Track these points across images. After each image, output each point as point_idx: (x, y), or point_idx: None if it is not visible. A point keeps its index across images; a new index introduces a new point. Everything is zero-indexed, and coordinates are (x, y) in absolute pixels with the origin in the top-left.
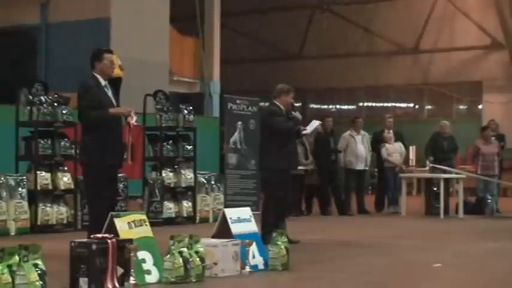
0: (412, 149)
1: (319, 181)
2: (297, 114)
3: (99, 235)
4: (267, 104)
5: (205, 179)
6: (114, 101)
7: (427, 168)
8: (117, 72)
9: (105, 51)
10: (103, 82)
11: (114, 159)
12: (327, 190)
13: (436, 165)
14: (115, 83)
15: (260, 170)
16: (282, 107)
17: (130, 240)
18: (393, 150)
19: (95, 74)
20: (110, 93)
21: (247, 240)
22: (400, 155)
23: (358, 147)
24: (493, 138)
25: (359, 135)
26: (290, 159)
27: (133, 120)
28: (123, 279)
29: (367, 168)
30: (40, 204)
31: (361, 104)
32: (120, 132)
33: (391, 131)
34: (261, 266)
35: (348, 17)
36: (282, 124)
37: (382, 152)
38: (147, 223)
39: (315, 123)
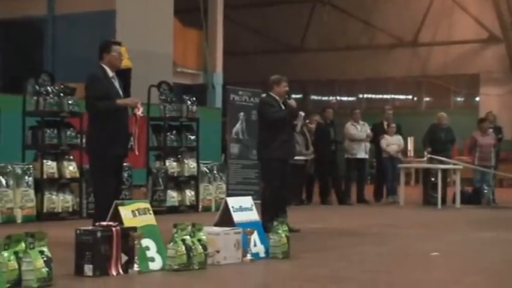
0: (411, 140)
1: (315, 171)
2: (291, 102)
3: (104, 223)
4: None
5: (207, 168)
6: (121, 92)
7: (425, 158)
8: (126, 63)
9: (113, 43)
10: (110, 73)
11: (120, 150)
12: (327, 180)
13: (433, 156)
14: (124, 74)
15: (258, 160)
16: (277, 98)
17: (134, 228)
18: (391, 142)
19: (103, 65)
20: (117, 84)
21: (248, 229)
22: (398, 147)
23: (359, 136)
24: (490, 130)
25: (358, 125)
26: (285, 148)
27: (139, 111)
28: (127, 266)
29: (367, 156)
30: (46, 193)
31: (360, 95)
32: (126, 123)
33: (393, 124)
34: (262, 254)
35: (348, 10)
36: (274, 114)
37: (381, 142)
38: (151, 211)
39: (300, 115)
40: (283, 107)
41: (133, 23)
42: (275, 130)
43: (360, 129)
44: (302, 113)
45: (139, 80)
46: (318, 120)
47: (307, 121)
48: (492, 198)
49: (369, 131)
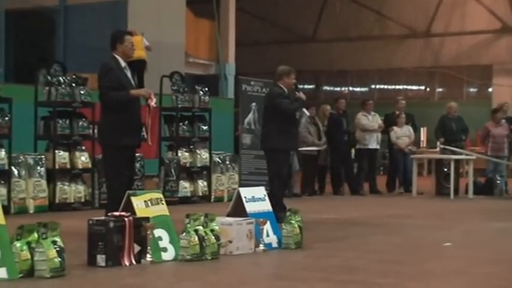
0: (423, 131)
1: (329, 161)
2: (301, 95)
3: (117, 213)
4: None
5: (220, 158)
6: (133, 82)
7: (437, 149)
8: (139, 54)
9: (126, 33)
10: (123, 63)
11: (132, 140)
12: (340, 170)
13: (446, 147)
14: (139, 65)
15: (263, 150)
16: (285, 89)
17: (147, 218)
18: (401, 134)
19: (116, 56)
20: (129, 74)
21: (261, 219)
22: (409, 138)
23: (370, 126)
24: (503, 120)
25: (370, 115)
26: (292, 140)
27: (153, 102)
28: (139, 256)
29: (378, 147)
30: (58, 183)
31: (373, 86)
32: (139, 113)
33: (402, 115)
34: (274, 244)
35: (361, 0)
36: (289, 106)
37: (391, 135)
38: (164, 202)
39: (305, 114)
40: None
41: (146, 13)
42: (285, 121)
43: (371, 120)
44: (307, 112)
45: (152, 70)
46: (329, 110)
47: (313, 114)
48: (505, 189)
49: (380, 121)
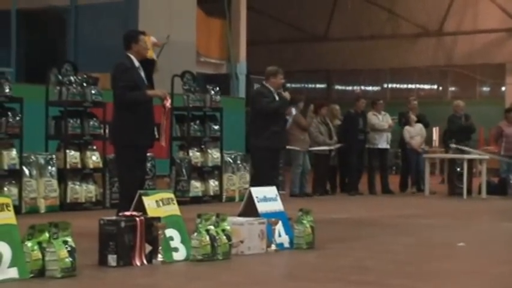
0: (436, 130)
1: (337, 161)
2: (286, 94)
3: (128, 213)
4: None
5: (231, 158)
6: (146, 82)
7: (450, 151)
8: (150, 54)
9: (141, 33)
10: (137, 63)
11: (146, 140)
12: (353, 169)
13: (459, 147)
14: (148, 65)
15: (249, 149)
16: (271, 89)
17: (158, 218)
18: (415, 133)
19: (130, 55)
20: (142, 74)
21: (273, 219)
22: (421, 137)
23: (380, 126)
24: None
25: (380, 115)
26: (275, 139)
27: (168, 103)
28: (151, 256)
29: (388, 146)
30: (69, 183)
31: (385, 85)
32: (152, 114)
33: (413, 116)
34: (286, 245)
35: None
36: (268, 104)
37: (404, 134)
38: (175, 201)
39: (291, 112)
40: (277, 98)
41: (157, 13)
42: (267, 120)
43: (382, 120)
44: (294, 110)
45: (163, 70)
46: (338, 111)
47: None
48: None
49: (390, 121)
